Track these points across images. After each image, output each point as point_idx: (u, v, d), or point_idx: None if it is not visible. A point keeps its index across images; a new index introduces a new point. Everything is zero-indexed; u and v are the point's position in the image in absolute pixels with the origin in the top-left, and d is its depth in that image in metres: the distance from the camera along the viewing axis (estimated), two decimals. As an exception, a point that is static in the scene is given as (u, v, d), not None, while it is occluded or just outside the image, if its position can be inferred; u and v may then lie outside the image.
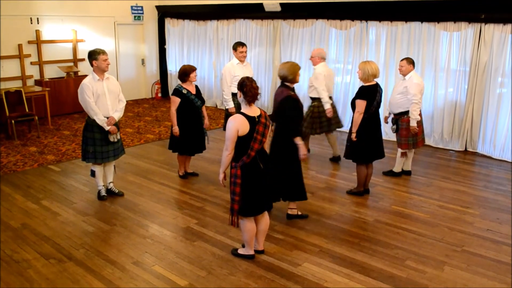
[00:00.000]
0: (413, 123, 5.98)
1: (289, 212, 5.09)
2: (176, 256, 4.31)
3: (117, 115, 5.38)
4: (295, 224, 4.95)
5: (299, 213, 5.12)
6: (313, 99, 6.82)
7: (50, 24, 10.09)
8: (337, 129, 7.23)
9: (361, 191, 5.77)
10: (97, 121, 5.22)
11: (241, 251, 4.30)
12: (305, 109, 5.64)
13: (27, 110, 8.66)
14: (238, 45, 6.71)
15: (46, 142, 8.08)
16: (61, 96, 9.98)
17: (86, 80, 5.22)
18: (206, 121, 6.21)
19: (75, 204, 5.47)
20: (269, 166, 4.07)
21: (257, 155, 3.90)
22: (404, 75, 6.03)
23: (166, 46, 12.36)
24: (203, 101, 6.16)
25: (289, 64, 4.74)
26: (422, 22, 7.83)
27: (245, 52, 6.72)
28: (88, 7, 10.67)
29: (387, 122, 6.55)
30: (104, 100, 5.26)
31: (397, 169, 6.45)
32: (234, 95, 6.58)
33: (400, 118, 6.11)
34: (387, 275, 4.01)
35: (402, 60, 6.10)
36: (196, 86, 6.15)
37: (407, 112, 6.03)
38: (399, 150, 6.30)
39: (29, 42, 9.78)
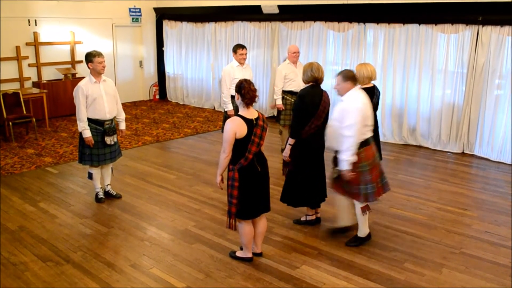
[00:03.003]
0: (345, 166, 4.18)
1: (308, 218, 5.01)
2: (174, 258, 4.29)
3: (123, 125, 5.65)
4: (293, 227, 4.94)
5: (308, 218, 5.03)
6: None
7: (48, 26, 10.08)
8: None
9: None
10: (78, 126, 5.25)
11: (239, 253, 4.29)
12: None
13: (24, 112, 8.64)
14: (238, 48, 6.72)
15: (44, 144, 8.07)
16: (59, 98, 9.96)
17: (82, 83, 5.22)
18: None
19: (72, 207, 5.46)
20: (266, 168, 4.06)
21: (254, 157, 3.89)
22: (341, 94, 4.32)
23: (164, 48, 12.37)
24: None
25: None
26: (419, 24, 7.84)
27: (245, 54, 6.74)
28: (86, 9, 10.66)
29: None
30: (101, 102, 5.25)
31: (363, 231, 4.56)
32: (233, 97, 6.58)
33: None
34: (386, 278, 4.01)
35: (337, 74, 4.38)
36: None
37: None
38: (357, 204, 4.43)
39: (26, 44, 9.77)
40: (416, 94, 8.10)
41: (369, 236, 4.62)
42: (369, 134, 4.31)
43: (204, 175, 6.57)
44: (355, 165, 4.21)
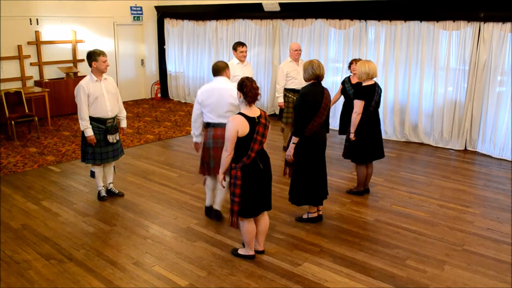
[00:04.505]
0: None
1: (310, 215, 5.02)
2: (177, 256, 4.31)
3: (124, 123, 5.63)
4: (295, 224, 4.95)
5: (309, 216, 5.04)
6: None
7: (49, 25, 10.09)
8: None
9: (361, 190, 5.77)
10: (80, 125, 5.24)
11: (241, 251, 4.29)
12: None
13: (27, 111, 8.66)
14: (238, 45, 6.73)
15: (46, 143, 8.08)
16: (61, 97, 9.98)
17: (83, 82, 5.22)
18: None
19: (75, 205, 5.47)
20: (269, 166, 4.07)
21: (257, 155, 3.89)
22: None
23: (165, 46, 12.36)
24: None
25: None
26: (421, 21, 7.83)
27: (245, 52, 6.75)
28: (87, 8, 10.66)
29: None
30: (102, 101, 5.26)
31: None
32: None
33: None
34: (388, 275, 4.01)
35: None
36: None
37: None
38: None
39: (28, 43, 9.78)
40: (418, 91, 8.09)
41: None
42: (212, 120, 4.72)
43: (206, 173, 6.57)
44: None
